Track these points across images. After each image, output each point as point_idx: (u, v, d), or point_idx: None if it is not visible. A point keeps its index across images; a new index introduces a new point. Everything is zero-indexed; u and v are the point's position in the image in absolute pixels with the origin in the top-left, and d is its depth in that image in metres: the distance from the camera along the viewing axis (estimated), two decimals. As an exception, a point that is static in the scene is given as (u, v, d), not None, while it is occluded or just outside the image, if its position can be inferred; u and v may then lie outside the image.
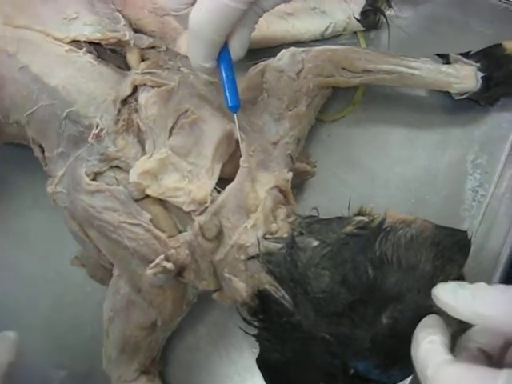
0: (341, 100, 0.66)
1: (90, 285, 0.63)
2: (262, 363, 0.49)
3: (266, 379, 0.49)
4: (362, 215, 0.49)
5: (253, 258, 0.48)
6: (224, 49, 0.46)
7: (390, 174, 0.65)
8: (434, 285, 0.42)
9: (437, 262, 0.44)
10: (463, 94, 0.63)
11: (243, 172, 0.49)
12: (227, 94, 0.48)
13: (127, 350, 0.56)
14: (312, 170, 0.63)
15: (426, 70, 0.61)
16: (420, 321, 0.43)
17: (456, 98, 0.63)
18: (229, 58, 0.46)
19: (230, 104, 0.48)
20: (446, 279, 0.44)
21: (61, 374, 0.63)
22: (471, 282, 0.46)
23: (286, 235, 0.48)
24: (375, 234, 0.45)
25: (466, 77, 0.62)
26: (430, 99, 0.67)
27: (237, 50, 0.46)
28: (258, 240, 0.48)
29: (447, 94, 0.64)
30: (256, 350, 0.50)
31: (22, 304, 0.65)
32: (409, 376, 0.48)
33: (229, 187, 0.48)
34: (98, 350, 0.59)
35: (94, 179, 0.51)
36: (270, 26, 0.66)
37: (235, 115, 0.49)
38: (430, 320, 0.40)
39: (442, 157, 0.65)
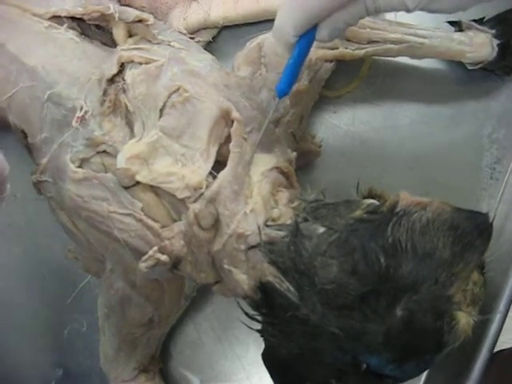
0: (346, 74, 0.63)
1: (84, 279, 0.61)
2: (268, 359, 0.46)
3: (272, 376, 0.47)
4: (373, 197, 0.46)
5: (253, 247, 0.45)
6: (310, 31, 0.42)
7: (401, 151, 0.62)
8: (452, 273, 0.41)
9: (455, 248, 0.41)
10: (478, 64, 0.59)
11: (234, 157, 0.46)
12: (285, 76, 0.44)
13: (124, 348, 0.54)
14: (317, 150, 0.59)
15: (437, 39, 0.57)
16: (438, 313, 0.41)
17: (470, 68, 0.60)
18: (310, 41, 0.43)
19: (279, 87, 0.44)
20: (465, 267, 0.41)
21: (57, 373, 0.61)
22: (489, 268, 0.45)
23: (289, 222, 0.45)
24: (387, 219, 0.42)
25: (480, 45, 0.58)
26: (441, 70, 0.63)
27: (324, 34, 0.42)
28: (259, 228, 0.45)
29: (460, 64, 0.60)
30: (263, 344, 0.47)
31: (13, 301, 0.63)
32: (425, 370, 0.46)
33: (221, 174, 0.45)
34: (95, 347, 0.57)
35: (80, 166, 0.48)
36: (267, -3, 0.62)
37: (276, 100, 0.46)
38: None
39: (455, 132, 0.62)
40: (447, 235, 0.41)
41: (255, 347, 0.59)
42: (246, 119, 0.48)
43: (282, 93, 0.45)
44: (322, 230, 0.43)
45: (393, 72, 0.63)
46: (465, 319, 0.41)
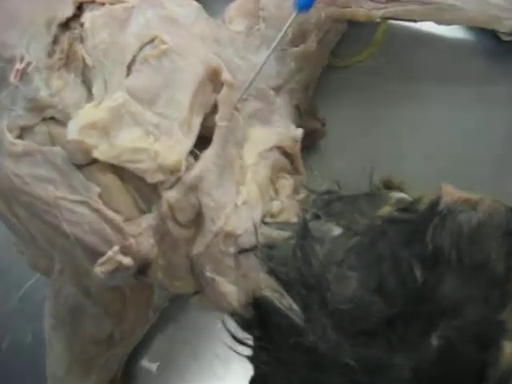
0: (357, 40, 0.57)
1: (31, 277, 0.54)
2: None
3: (262, 410, 0.39)
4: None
5: (246, 251, 0.38)
6: None
7: (419, 135, 0.55)
8: (507, 292, 0.34)
9: (510, 260, 0.34)
10: (513, 34, 0.53)
11: (221, 132, 0.39)
12: None
13: (76, 370, 0.47)
14: (322, 129, 0.52)
15: (470, 1, 0.50)
16: (484, 342, 0.34)
17: (504, 38, 0.54)
18: None
19: None
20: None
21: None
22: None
23: (294, 219, 0.38)
24: (426, 220, 0.34)
25: (520, 10, 0.51)
26: (470, 40, 0.57)
27: None
28: (255, 225, 0.37)
29: (491, 34, 0.54)
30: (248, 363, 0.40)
31: None
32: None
33: (205, 154, 0.38)
34: (41, 365, 0.49)
35: (19, 137, 0.40)
36: None
37: (293, 15, 0.41)
38: None
39: (484, 114, 0.55)
40: (501, 243, 0.34)
41: (238, 367, 0.51)
42: (239, 83, 0.40)
43: (303, 6, 0.40)
44: (337, 231, 0.36)
45: (411, 40, 0.57)
46: (510, 349, 0.34)
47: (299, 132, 0.42)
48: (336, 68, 0.56)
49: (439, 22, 0.52)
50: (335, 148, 0.54)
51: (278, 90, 0.43)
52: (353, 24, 0.52)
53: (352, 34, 0.54)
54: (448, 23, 0.53)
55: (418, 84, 0.56)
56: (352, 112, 0.56)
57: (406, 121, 0.55)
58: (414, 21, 0.53)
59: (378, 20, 0.51)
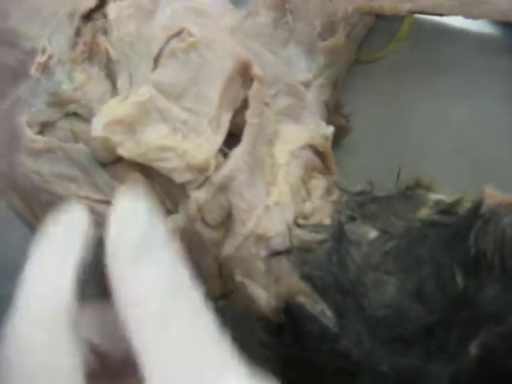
0: (381, 34, 0.53)
1: None
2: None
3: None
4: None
5: (279, 254, 0.35)
6: None
7: (446, 134, 0.52)
8: None
9: None
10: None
11: (251, 130, 0.36)
12: None
13: None
14: (347, 126, 0.50)
15: None
16: None
17: None
18: None
19: None
20: None
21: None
22: None
23: (328, 220, 0.36)
24: (468, 223, 0.33)
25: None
26: (497, 36, 0.54)
27: None
28: (289, 227, 0.35)
29: None
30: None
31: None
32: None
33: (235, 152, 0.36)
34: None
35: (40, 132, 0.37)
36: None
37: None
38: None
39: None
40: None
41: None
42: (269, 78, 0.38)
43: None
44: (374, 233, 0.34)
45: (439, 35, 0.54)
46: None
47: (330, 129, 0.40)
48: (360, 63, 0.53)
49: (467, 16, 0.49)
50: (359, 145, 0.52)
51: (307, 85, 0.41)
52: (377, 17, 0.49)
53: (376, 27, 0.52)
54: (476, 17, 0.49)
55: (444, 80, 0.53)
56: (376, 108, 0.53)
57: (431, 117, 0.53)
58: (441, 15, 0.50)
59: (404, 14, 0.48)
